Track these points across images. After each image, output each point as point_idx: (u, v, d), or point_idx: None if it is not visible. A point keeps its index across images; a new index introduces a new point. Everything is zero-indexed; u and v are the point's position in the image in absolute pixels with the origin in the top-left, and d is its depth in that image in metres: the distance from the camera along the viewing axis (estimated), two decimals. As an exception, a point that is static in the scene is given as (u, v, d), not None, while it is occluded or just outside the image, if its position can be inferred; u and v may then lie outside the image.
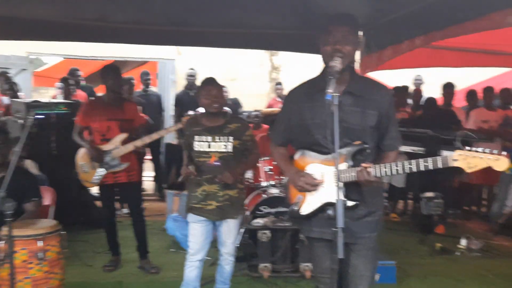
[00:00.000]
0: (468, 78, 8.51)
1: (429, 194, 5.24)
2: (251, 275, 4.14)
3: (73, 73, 6.89)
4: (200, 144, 3.23)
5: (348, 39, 2.15)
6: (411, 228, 5.78)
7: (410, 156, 5.31)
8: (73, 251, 4.44)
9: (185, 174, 3.27)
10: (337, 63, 2.08)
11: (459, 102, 7.55)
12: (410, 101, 7.10)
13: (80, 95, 6.71)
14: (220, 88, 3.29)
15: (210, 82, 3.32)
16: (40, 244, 2.84)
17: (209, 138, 3.23)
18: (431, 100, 6.27)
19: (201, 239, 3.28)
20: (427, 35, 4.62)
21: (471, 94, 6.55)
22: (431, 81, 8.08)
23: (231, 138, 3.23)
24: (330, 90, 1.96)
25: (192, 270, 3.28)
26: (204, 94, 3.23)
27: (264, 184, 4.82)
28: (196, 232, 3.28)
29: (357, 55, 6.32)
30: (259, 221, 4.24)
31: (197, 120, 3.35)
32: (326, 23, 2.18)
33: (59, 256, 2.99)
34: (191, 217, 3.32)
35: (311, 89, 2.28)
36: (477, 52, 6.75)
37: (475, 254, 4.79)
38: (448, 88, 6.41)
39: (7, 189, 2.64)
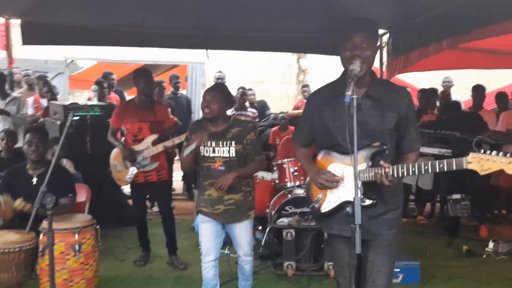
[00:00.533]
0: (500, 80, 8.38)
1: (456, 196, 5.21)
2: (275, 273, 4.23)
3: (107, 76, 7.12)
4: (205, 149, 3.27)
5: (367, 44, 2.22)
6: (438, 230, 5.76)
7: (437, 158, 5.32)
8: (106, 246, 4.63)
9: (198, 139, 3.15)
10: (356, 67, 2.16)
11: (489, 104, 7.45)
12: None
13: (114, 97, 6.95)
14: (215, 94, 3.26)
15: (209, 88, 3.37)
16: (76, 237, 3.02)
17: (213, 143, 3.26)
18: (455, 104, 6.20)
19: (211, 238, 3.33)
20: (454, 38, 4.64)
21: (500, 96, 6.45)
22: (462, 83, 8.00)
23: (233, 143, 3.26)
24: (349, 93, 2.05)
25: (208, 270, 3.37)
26: (203, 98, 3.30)
27: (289, 184, 4.91)
28: (206, 232, 3.34)
29: (384, 57, 6.40)
30: (283, 220, 4.34)
31: (201, 125, 3.38)
32: (345, 29, 2.26)
33: (93, 249, 3.17)
34: (200, 217, 3.39)
35: (332, 92, 2.36)
36: (507, 54, 6.67)
37: (502, 257, 4.74)
38: (478, 91, 6.33)
39: (46, 183, 2.84)
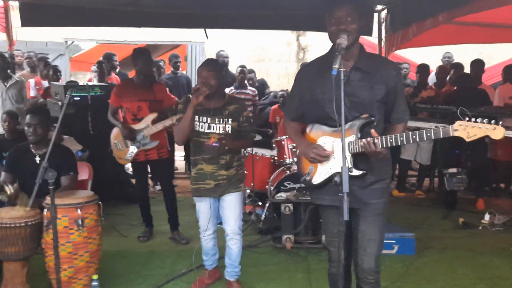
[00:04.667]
0: (501, 54, 8.33)
1: (452, 170, 5.28)
2: (275, 246, 4.35)
3: (110, 57, 7.14)
4: (201, 125, 3.26)
5: (352, 17, 2.26)
6: (436, 204, 5.84)
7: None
8: (110, 223, 4.77)
9: (197, 93, 3.11)
10: (343, 40, 2.21)
11: (490, 79, 7.44)
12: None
13: (115, 78, 6.99)
14: (211, 70, 3.21)
15: (203, 64, 3.32)
16: (79, 212, 3.13)
17: (209, 119, 3.26)
18: (465, 76, 6.10)
19: (208, 216, 3.42)
20: (449, 12, 4.65)
21: (508, 69, 6.30)
22: (463, 59, 7.96)
23: (230, 120, 3.26)
24: (336, 66, 2.10)
25: (208, 242, 3.52)
26: (198, 75, 3.26)
27: (288, 161, 4.99)
28: (202, 210, 3.43)
29: (383, 33, 6.40)
30: (282, 195, 4.43)
31: None
32: (330, 4, 2.29)
33: (96, 223, 3.28)
34: (195, 197, 3.46)
35: (321, 66, 2.40)
36: (507, 27, 6.62)
37: (498, 229, 4.84)
38: (476, 65, 6.29)
39: (47, 159, 2.92)
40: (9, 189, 3.37)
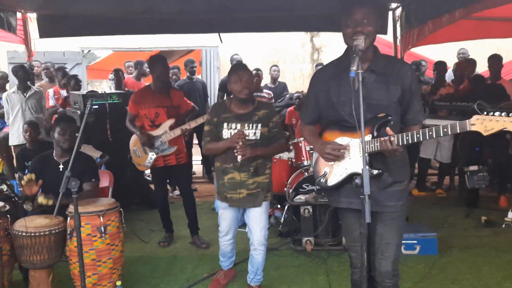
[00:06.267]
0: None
1: (473, 167, 5.20)
2: (295, 249, 4.35)
3: (140, 65, 7.21)
4: (230, 132, 3.20)
5: (369, 20, 2.24)
6: (457, 203, 5.76)
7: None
8: (131, 229, 4.80)
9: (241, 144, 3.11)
10: (360, 42, 2.19)
11: (509, 74, 7.32)
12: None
13: (143, 84, 7.06)
14: (250, 74, 3.21)
15: (241, 67, 3.27)
16: (101, 219, 3.17)
17: (239, 126, 3.20)
18: (479, 77, 6.09)
19: (230, 222, 3.45)
20: (466, 8, 4.57)
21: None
22: (480, 54, 7.85)
23: (259, 126, 3.20)
24: (353, 68, 2.08)
25: (227, 246, 3.55)
26: (235, 79, 3.17)
27: (306, 163, 4.99)
28: (226, 217, 3.44)
29: (398, 31, 6.34)
30: (301, 198, 4.42)
31: (225, 106, 3.28)
32: (346, 6, 2.28)
33: (118, 230, 3.31)
34: (221, 204, 3.42)
35: (336, 69, 2.40)
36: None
37: (522, 226, 4.76)
38: (494, 60, 6.21)
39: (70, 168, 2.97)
40: (47, 200, 3.42)
